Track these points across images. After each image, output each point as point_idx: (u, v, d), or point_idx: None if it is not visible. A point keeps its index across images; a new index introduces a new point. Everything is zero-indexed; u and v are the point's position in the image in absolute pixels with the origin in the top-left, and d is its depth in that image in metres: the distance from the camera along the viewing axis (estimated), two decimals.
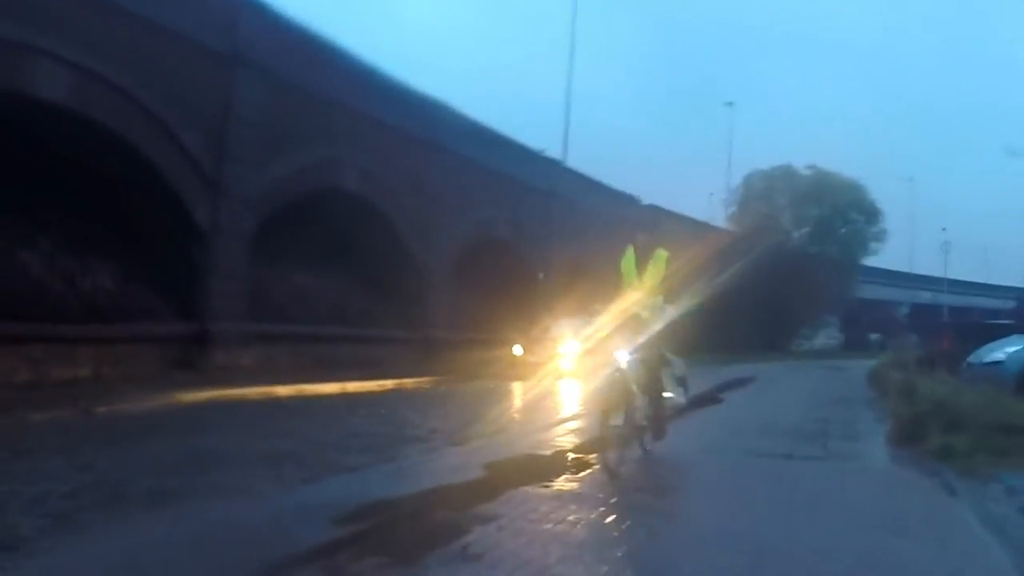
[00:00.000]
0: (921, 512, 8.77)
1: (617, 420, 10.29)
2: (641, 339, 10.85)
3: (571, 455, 11.24)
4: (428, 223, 36.15)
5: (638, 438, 11.06)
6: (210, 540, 6.92)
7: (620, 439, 10.31)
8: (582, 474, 10.03)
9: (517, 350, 33.01)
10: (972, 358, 21.88)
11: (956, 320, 50.59)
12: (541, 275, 45.34)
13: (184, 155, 24.89)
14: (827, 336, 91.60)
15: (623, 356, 10.52)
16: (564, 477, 9.84)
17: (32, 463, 9.98)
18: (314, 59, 29.65)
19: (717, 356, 49.41)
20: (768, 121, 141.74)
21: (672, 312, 11.66)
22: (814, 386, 29.02)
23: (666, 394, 12.03)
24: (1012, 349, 20.34)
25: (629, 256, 11.66)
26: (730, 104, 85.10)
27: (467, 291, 38.98)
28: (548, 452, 11.61)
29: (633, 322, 10.88)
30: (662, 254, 11.57)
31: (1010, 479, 10.04)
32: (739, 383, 28.76)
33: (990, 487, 9.81)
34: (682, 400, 13.53)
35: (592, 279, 49.70)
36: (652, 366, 11.30)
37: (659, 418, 11.58)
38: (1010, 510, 8.76)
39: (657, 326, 11.15)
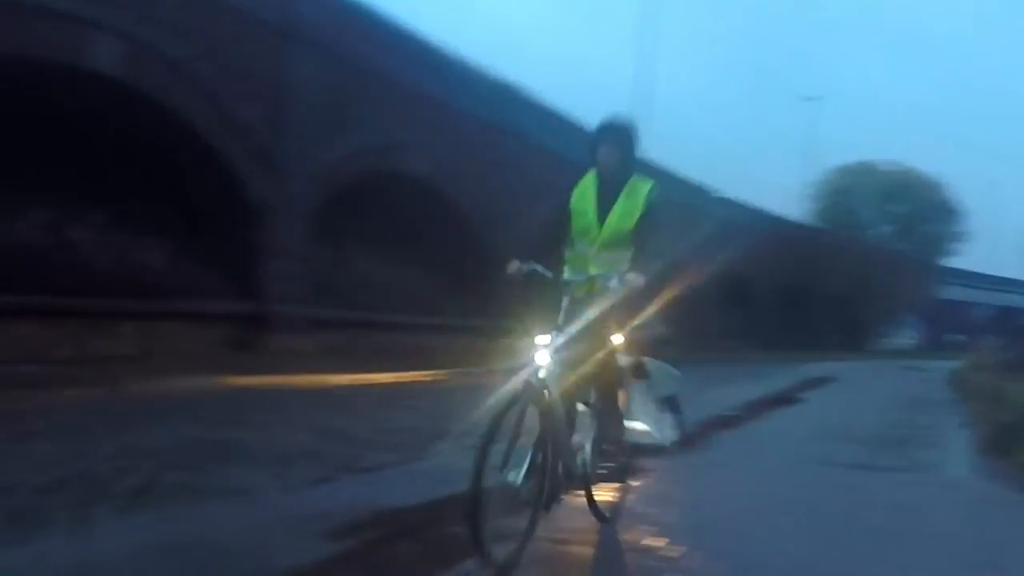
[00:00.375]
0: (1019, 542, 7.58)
1: (515, 471, 5.64)
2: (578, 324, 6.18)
3: None
4: (500, 211, 34.70)
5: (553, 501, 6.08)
6: (170, 554, 5.81)
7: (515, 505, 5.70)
8: None
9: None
10: None
11: None
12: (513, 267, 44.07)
13: (237, 130, 24.10)
14: (906, 336, 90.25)
15: (543, 355, 5.98)
16: None
17: (27, 447, 9.20)
18: (378, 39, 28.61)
19: (797, 354, 48.54)
20: (851, 116, 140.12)
21: (651, 286, 6.31)
22: (894, 387, 27.78)
23: (635, 425, 7.00)
24: None
25: (586, 185, 6.66)
26: (812, 99, 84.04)
27: None
28: None
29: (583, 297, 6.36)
30: (642, 186, 6.51)
31: None
32: (818, 382, 27.79)
33: None
34: (671, 438, 7.24)
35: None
36: (602, 372, 6.51)
37: (615, 458, 6.79)
38: None
39: (612, 305, 6.27)
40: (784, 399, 21.36)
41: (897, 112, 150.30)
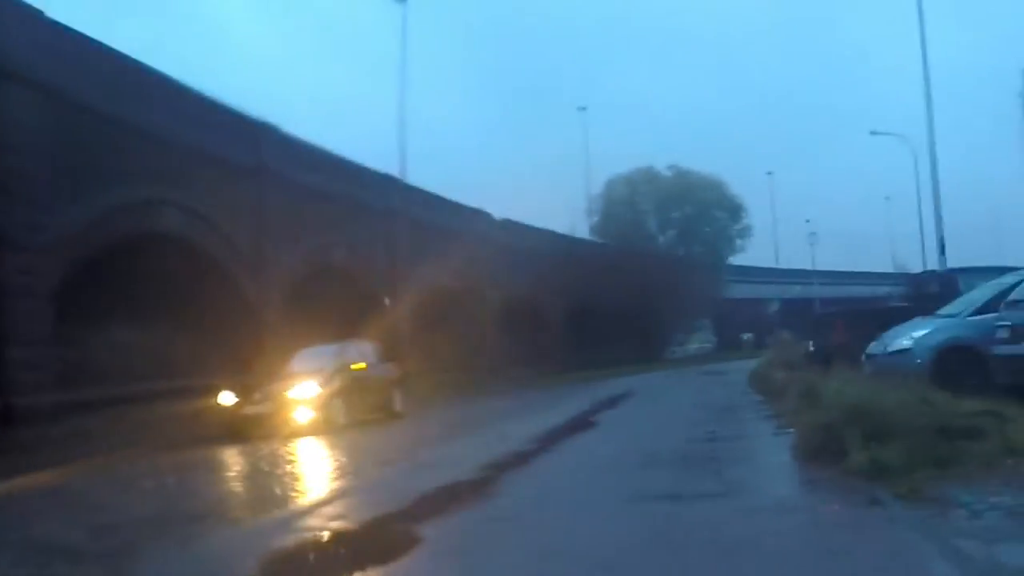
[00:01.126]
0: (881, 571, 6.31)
1: None
2: None
3: None
4: (256, 257, 33.37)
5: None
6: None
7: None
8: None
9: (225, 398, 23.31)
10: (873, 348, 19.42)
11: (849, 306, 48.66)
12: (387, 300, 43.19)
13: None
14: (701, 340, 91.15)
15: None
16: None
17: None
18: (114, 81, 26.21)
19: (593, 373, 48.31)
20: (623, 124, 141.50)
21: None
22: (694, 395, 26.92)
23: None
24: (919, 333, 18.02)
25: None
26: (583, 109, 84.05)
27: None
28: None
29: None
30: None
31: (967, 497, 7.81)
32: (615, 400, 27.28)
33: (950, 514, 7.43)
34: None
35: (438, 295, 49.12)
36: None
37: None
38: (986, 543, 6.52)
39: None
40: (580, 424, 20.37)
41: (669, 116, 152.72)
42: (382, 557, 7.75)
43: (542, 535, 8.37)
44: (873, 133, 63.45)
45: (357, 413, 23.80)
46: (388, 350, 43.39)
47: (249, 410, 22.40)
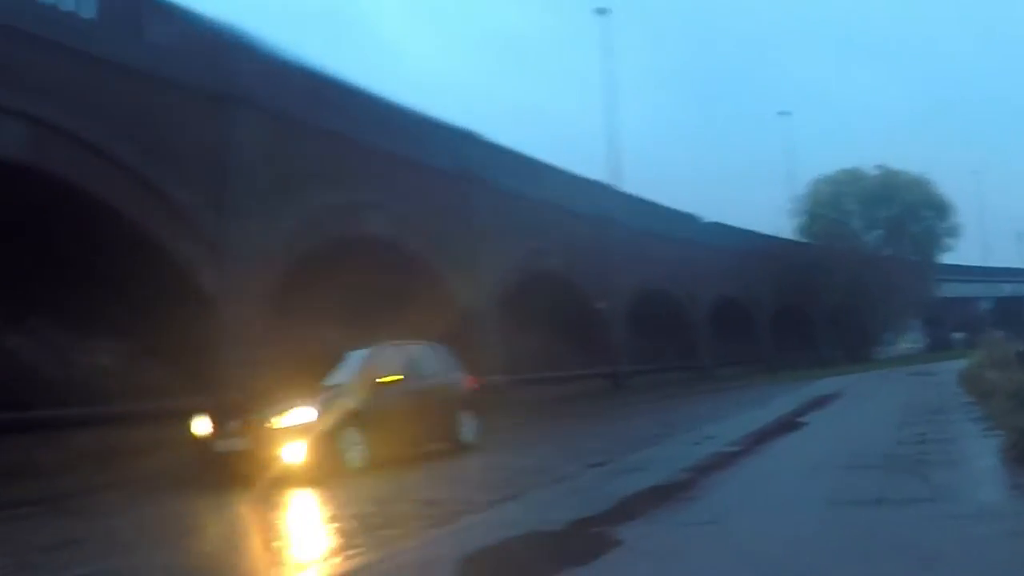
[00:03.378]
0: None
1: None
2: None
3: None
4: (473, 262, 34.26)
5: None
6: None
7: None
8: None
9: (200, 426, 16.81)
10: None
11: None
12: (600, 304, 43.42)
13: (173, 211, 22.58)
14: (911, 340, 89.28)
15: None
16: None
17: None
18: (322, 97, 27.63)
19: (798, 373, 47.84)
20: (826, 126, 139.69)
21: None
22: (902, 396, 26.26)
23: None
24: None
25: None
26: (785, 113, 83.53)
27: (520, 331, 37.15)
28: None
29: None
30: None
31: None
32: (822, 401, 26.78)
33: None
34: None
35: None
36: None
37: None
38: None
39: None
40: (787, 424, 20.17)
41: (870, 116, 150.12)
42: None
43: (741, 540, 8.30)
44: None
45: (391, 446, 17.30)
46: (601, 353, 43.89)
47: (221, 445, 16.13)
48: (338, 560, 8.64)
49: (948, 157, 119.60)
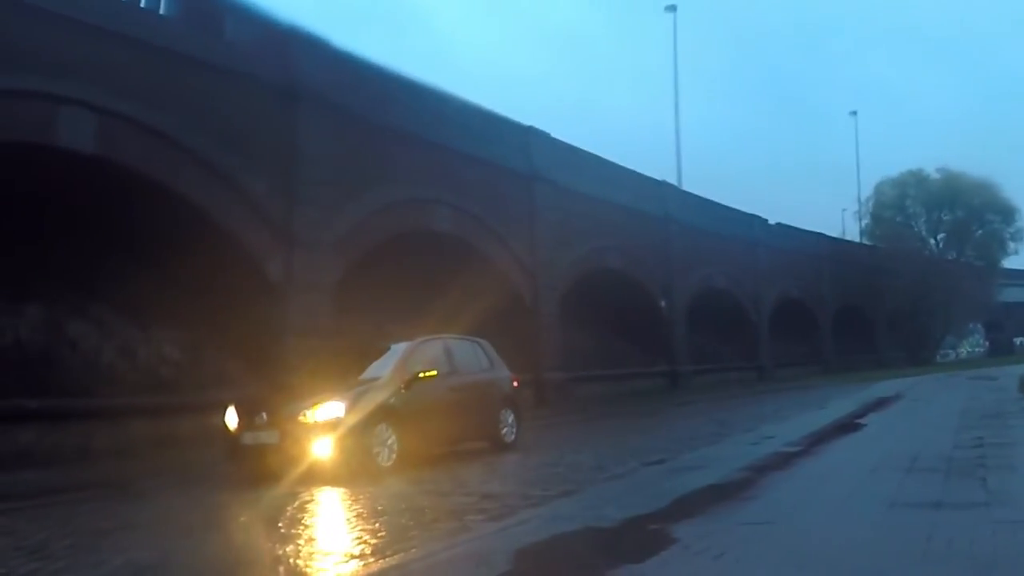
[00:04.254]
0: None
1: None
2: None
3: None
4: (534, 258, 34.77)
5: None
6: None
7: None
8: None
9: (230, 418, 16.03)
10: None
11: None
12: (662, 303, 43.46)
13: (248, 202, 23.17)
14: (972, 344, 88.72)
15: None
16: None
17: None
18: (386, 93, 28.07)
19: (861, 375, 47.58)
20: (889, 126, 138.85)
21: None
22: (962, 400, 26.07)
23: None
24: None
25: None
26: (853, 113, 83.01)
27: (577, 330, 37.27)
28: None
29: None
30: None
31: None
32: (883, 403, 26.76)
33: None
34: None
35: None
36: None
37: None
38: None
39: None
40: (847, 426, 20.14)
41: (933, 117, 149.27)
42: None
43: (798, 540, 8.32)
44: None
45: (426, 444, 16.71)
46: (660, 352, 43.90)
47: (248, 438, 15.55)
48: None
49: (1014, 160, 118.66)
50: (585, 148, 39.48)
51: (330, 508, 12.78)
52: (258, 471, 14.96)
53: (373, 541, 9.21)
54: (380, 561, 8.20)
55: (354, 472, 14.61)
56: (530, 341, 33.20)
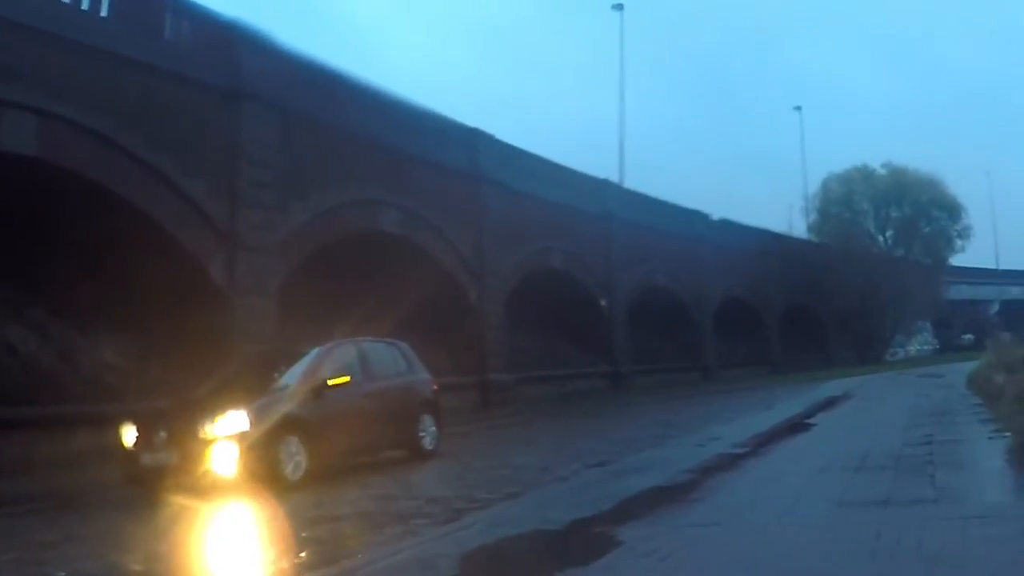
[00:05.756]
0: None
1: None
2: None
3: None
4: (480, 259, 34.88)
5: None
6: None
7: None
8: None
9: (128, 435, 14.80)
10: None
11: None
12: (603, 302, 43.50)
13: (185, 199, 22.87)
14: (921, 342, 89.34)
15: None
16: None
17: None
18: (332, 93, 28.02)
19: (807, 375, 47.79)
20: (834, 121, 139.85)
21: None
22: (910, 398, 26.10)
23: None
24: None
25: None
26: (798, 108, 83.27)
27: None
28: None
29: None
30: None
31: None
32: (832, 403, 26.82)
33: None
34: None
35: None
36: None
37: None
38: None
39: None
40: (795, 426, 20.11)
41: (878, 112, 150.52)
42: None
43: (745, 541, 8.25)
44: None
45: (337, 455, 16.02)
46: (603, 352, 43.93)
47: (147, 459, 14.36)
48: None
49: (959, 156, 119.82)
50: (527, 148, 39.84)
51: (226, 524, 12.44)
52: (159, 493, 13.72)
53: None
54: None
55: (259, 488, 13.54)
56: (476, 342, 34.06)
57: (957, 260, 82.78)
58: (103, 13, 21.51)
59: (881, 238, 77.35)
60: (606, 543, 8.13)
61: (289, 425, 14.52)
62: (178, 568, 9.23)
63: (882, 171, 76.71)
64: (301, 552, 8.97)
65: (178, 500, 13.17)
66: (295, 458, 14.48)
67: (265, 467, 14.00)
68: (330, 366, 16.06)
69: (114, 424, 15.12)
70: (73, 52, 19.90)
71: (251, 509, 12.90)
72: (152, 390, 20.92)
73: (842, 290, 65.10)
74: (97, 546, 10.63)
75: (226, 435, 13.85)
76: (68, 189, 20.09)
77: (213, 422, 13.98)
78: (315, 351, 16.40)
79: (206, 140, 23.31)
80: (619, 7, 56.69)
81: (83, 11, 21.21)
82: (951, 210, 77.19)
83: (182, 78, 22.69)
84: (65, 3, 20.93)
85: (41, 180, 19.59)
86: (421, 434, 17.73)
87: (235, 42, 24.42)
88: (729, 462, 14.13)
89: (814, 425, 20.45)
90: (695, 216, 55.16)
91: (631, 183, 51.18)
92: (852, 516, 8.93)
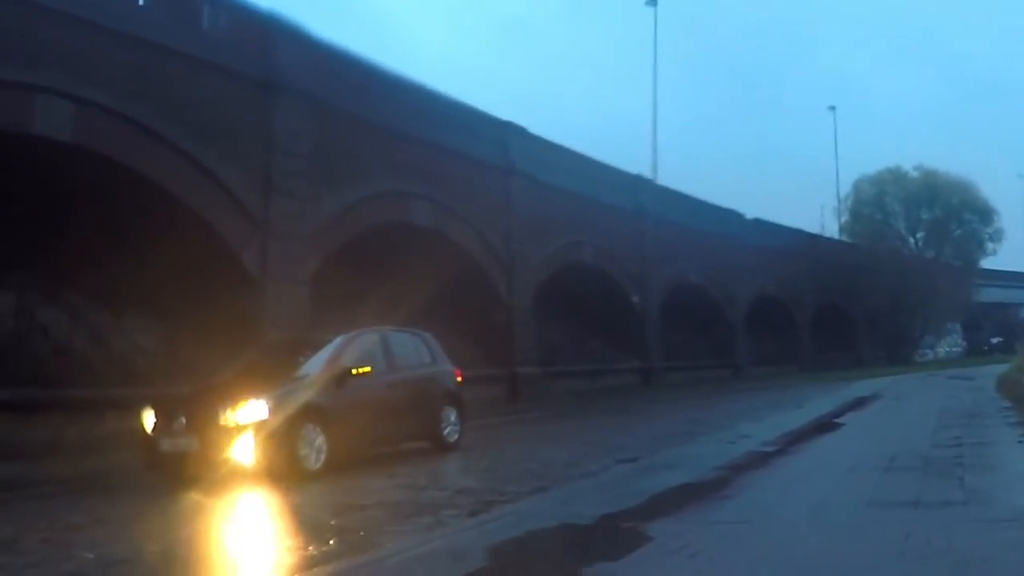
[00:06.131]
0: None
1: None
2: None
3: None
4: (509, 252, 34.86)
5: None
6: None
7: None
8: None
9: (148, 421, 14.68)
10: None
11: None
12: (635, 298, 43.40)
13: (222, 189, 23.06)
14: (950, 344, 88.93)
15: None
16: None
17: None
18: (364, 85, 28.03)
19: (837, 374, 47.56)
20: (867, 121, 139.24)
21: None
22: (940, 400, 25.98)
23: None
24: None
25: None
26: (832, 108, 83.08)
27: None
28: None
29: None
30: None
31: None
32: (861, 402, 26.66)
33: None
34: None
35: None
36: None
37: None
38: None
39: None
40: (824, 425, 19.96)
41: (912, 113, 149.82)
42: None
43: (774, 539, 8.25)
44: None
45: (359, 445, 15.82)
46: (634, 348, 43.86)
47: (166, 445, 14.26)
48: None
49: (991, 159, 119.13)
50: (559, 142, 39.71)
51: (237, 514, 12.29)
52: (179, 480, 13.69)
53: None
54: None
55: (279, 477, 13.50)
56: (505, 335, 34.24)
57: (988, 263, 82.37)
58: (141, 2, 21.67)
59: (912, 240, 77.02)
60: (635, 538, 8.14)
61: (310, 413, 14.42)
62: (205, 554, 9.26)
63: (914, 173, 76.46)
64: (330, 540, 8.90)
65: (200, 487, 13.11)
66: (315, 447, 14.35)
67: (285, 456, 13.85)
68: (352, 355, 15.87)
69: (139, 408, 14.93)
70: (111, 40, 20.05)
71: (274, 497, 12.77)
72: (182, 375, 20.96)
73: (873, 291, 64.94)
74: (124, 530, 10.65)
75: (246, 423, 13.74)
76: (103, 175, 20.19)
77: (233, 410, 13.86)
78: (337, 339, 16.23)
79: (241, 130, 23.43)
80: (653, 2, 56.49)
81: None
82: (983, 213, 76.81)
83: (218, 68, 22.89)
84: None
85: (76, 165, 19.68)
86: (443, 426, 17.56)
87: (270, 33, 24.54)
88: (759, 460, 14.09)
89: (843, 425, 20.31)
90: (729, 215, 54.98)
91: (664, 180, 51.09)
92: (881, 517, 8.90)
